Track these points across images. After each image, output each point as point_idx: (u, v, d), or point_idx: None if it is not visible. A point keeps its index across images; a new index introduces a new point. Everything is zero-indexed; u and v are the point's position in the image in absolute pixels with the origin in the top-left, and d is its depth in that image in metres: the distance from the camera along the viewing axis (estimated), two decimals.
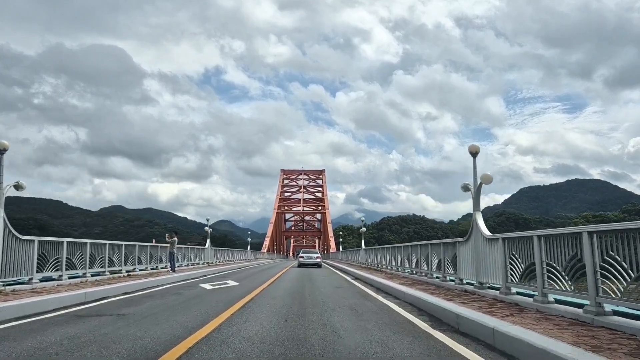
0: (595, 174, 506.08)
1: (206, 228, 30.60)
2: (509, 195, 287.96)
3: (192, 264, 24.98)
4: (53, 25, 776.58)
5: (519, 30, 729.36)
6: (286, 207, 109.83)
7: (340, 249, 59.93)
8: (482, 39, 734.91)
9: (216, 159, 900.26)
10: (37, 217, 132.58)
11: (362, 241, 32.46)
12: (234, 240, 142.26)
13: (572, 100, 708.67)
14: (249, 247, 51.87)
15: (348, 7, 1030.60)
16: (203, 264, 27.02)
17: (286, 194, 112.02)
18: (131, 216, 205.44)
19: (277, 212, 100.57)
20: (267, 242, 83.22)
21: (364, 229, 37.19)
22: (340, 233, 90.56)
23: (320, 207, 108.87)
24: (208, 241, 30.03)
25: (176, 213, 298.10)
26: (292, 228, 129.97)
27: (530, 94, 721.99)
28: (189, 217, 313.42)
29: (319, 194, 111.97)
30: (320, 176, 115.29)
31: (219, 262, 32.86)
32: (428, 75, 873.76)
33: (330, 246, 79.33)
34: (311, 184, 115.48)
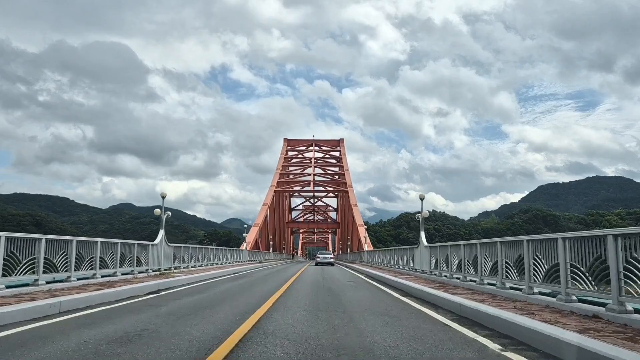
0: (609, 171, 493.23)
1: None
2: (527, 193, 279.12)
3: None
4: (59, 23, 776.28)
5: (529, 23, 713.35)
6: (288, 186, 79.04)
7: (424, 241, 17.10)
8: (492, 32, 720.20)
9: (224, 157, 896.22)
10: (33, 213, 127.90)
11: None
12: (240, 239, 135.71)
13: (585, 98, 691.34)
14: (162, 237, 18.53)
15: (354, 3, 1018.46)
16: None
17: (291, 168, 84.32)
18: (136, 213, 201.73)
19: (275, 191, 70.82)
20: (253, 234, 54.24)
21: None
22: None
23: (340, 186, 78.12)
24: None
25: (185, 211, 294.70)
26: (302, 220, 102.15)
27: (542, 92, 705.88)
28: (198, 215, 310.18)
29: (336, 168, 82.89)
30: (338, 147, 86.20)
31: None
32: (436, 70, 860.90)
33: (359, 240, 51.47)
34: (326, 157, 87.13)
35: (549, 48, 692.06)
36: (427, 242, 16.60)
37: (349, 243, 64.32)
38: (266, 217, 65.03)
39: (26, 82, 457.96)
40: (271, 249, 63.07)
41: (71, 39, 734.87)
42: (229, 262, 30.19)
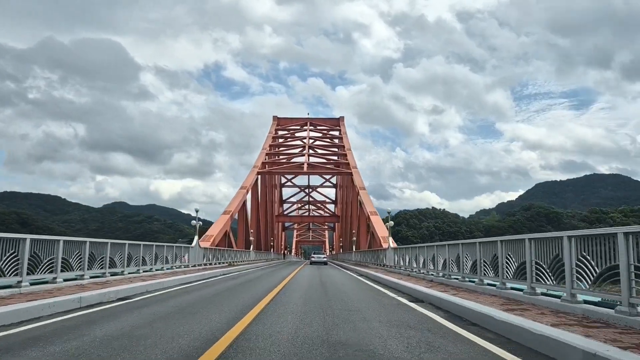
0: (603, 169, 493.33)
1: None
2: (525, 191, 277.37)
3: None
4: (50, 20, 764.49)
5: (524, 20, 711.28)
6: (276, 167, 63.99)
7: None
8: (486, 29, 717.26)
9: (219, 155, 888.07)
10: (19, 211, 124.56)
11: None
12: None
13: (580, 96, 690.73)
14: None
15: (347, 1, 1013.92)
16: None
17: (281, 148, 70.45)
18: (130, 212, 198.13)
19: (259, 173, 58.21)
20: (221, 224, 40.25)
21: None
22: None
23: (341, 167, 65.07)
24: None
25: (180, 210, 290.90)
26: (296, 213, 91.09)
27: (537, 90, 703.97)
28: (193, 214, 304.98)
29: (336, 149, 70.92)
30: (337, 127, 74.51)
31: None
32: (430, 68, 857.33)
33: (372, 234, 40.88)
34: (323, 137, 75.21)
35: (544, 45, 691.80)
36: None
37: (354, 239, 50.46)
38: (245, 204, 52.27)
39: (15, 79, 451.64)
40: (252, 246, 49.68)
41: (61, 36, 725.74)
42: (153, 271, 17.01)
